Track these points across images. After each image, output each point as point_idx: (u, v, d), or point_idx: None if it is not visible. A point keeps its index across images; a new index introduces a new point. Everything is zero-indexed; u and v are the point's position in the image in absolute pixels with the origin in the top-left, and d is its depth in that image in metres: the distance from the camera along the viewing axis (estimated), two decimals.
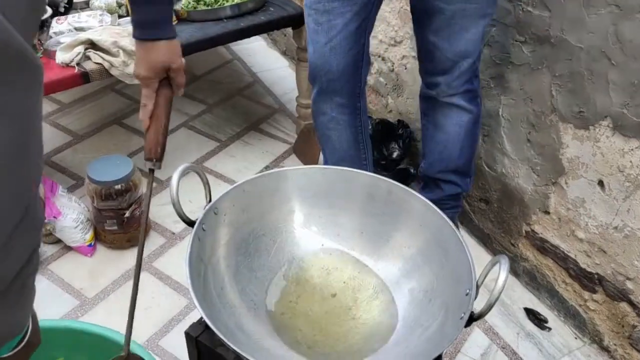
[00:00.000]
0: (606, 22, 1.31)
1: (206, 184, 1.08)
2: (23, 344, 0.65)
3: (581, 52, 1.39)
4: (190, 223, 1.03)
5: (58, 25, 1.89)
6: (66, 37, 1.82)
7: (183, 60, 1.11)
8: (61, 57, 1.72)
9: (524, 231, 1.73)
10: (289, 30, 2.25)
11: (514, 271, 1.80)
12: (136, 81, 1.14)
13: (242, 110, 2.58)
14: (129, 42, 1.73)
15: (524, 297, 1.75)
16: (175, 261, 1.83)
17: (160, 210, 2.00)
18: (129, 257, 1.82)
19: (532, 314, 1.68)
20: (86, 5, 2.08)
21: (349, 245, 1.18)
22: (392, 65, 2.10)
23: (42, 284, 1.73)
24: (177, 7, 2.02)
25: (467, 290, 0.94)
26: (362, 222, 1.18)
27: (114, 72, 1.74)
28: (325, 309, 1.10)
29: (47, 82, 1.67)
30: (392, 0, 1.98)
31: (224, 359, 0.98)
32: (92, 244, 1.84)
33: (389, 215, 1.15)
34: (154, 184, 2.10)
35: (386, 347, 1.03)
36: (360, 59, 1.52)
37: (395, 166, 2.05)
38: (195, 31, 1.91)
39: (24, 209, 0.52)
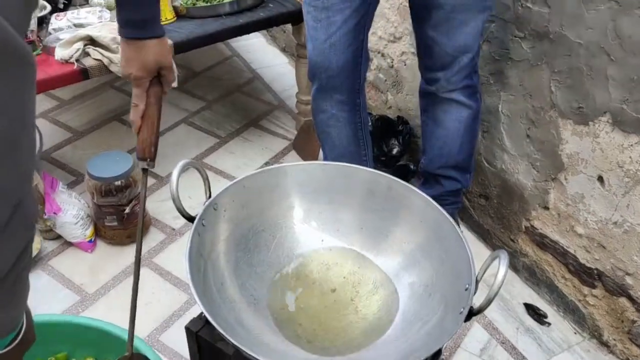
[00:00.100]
0: (605, 18, 1.31)
1: (206, 180, 1.09)
2: (17, 341, 0.65)
3: (580, 48, 1.39)
4: (190, 219, 1.04)
5: (57, 21, 1.88)
6: (65, 34, 1.82)
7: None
8: (60, 53, 1.72)
9: (523, 227, 1.73)
10: (289, 26, 2.25)
11: (513, 267, 1.80)
12: None
13: (241, 106, 2.58)
14: None
15: (523, 292, 1.75)
16: (175, 257, 1.83)
17: (160, 207, 2.00)
18: (129, 253, 1.82)
19: (531, 309, 1.69)
20: (85, 2, 2.08)
21: (348, 240, 1.19)
22: (392, 62, 2.10)
23: (42, 279, 1.73)
24: (177, 3, 2.02)
25: (467, 285, 0.94)
26: (362, 218, 1.19)
27: (113, 68, 1.74)
28: (325, 303, 1.11)
29: (47, 78, 1.67)
30: None
31: (224, 354, 0.98)
32: (93, 239, 1.84)
33: (388, 211, 1.16)
34: (154, 181, 2.12)
35: (386, 342, 1.03)
36: (359, 55, 1.52)
37: (395, 162, 2.05)
38: (194, 28, 1.91)
39: (16, 203, 0.52)
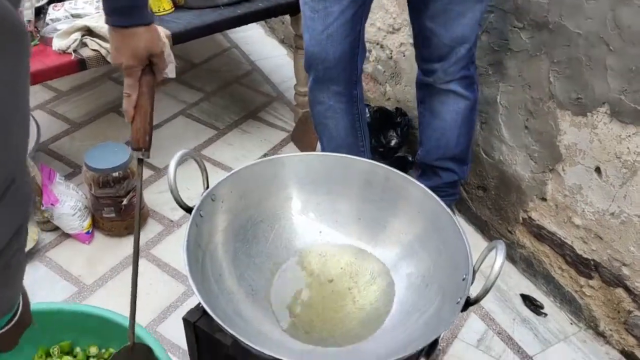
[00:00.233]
0: (604, 8, 1.31)
1: (204, 171, 1.08)
2: (13, 322, 0.65)
3: (579, 38, 1.39)
4: (188, 210, 1.04)
5: (54, 11, 1.87)
6: (63, 24, 1.81)
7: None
8: (58, 43, 1.71)
9: (521, 218, 1.73)
10: (287, 18, 2.24)
11: (510, 258, 1.81)
12: None
13: (239, 98, 2.57)
14: None
15: (520, 283, 1.76)
16: (173, 248, 1.83)
17: (157, 198, 2.00)
18: (127, 245, 1.82)
19: (528, 300, 1.70)
20: None
21: (346, 231, 1.19)
22: (390, 53, 2.09)
23: (40, 271, 1.73)
24: None
25: (464, 276, 0.95)
26: (360, 209, 1.19)
27: (110, 59, 1.73)
28: (323, 294, 1.11)
29: (44, 69, 1.66)
30: None
31: (222, 344, 0.99)
32: (90, 231, 1.84)
33: (386, 201, 1.16)
34: (151, 172, 2.12)
35: (383, 332, 1.03)
36: (356, 46, 1.51)
37: (393, 154, 2.05)
38: (192, 18, 1.90)
39: (10, 179, 0.51)
